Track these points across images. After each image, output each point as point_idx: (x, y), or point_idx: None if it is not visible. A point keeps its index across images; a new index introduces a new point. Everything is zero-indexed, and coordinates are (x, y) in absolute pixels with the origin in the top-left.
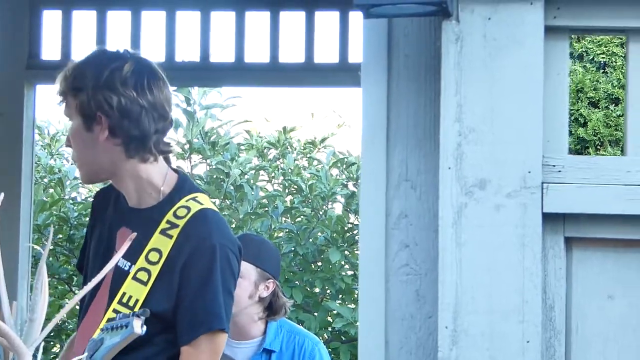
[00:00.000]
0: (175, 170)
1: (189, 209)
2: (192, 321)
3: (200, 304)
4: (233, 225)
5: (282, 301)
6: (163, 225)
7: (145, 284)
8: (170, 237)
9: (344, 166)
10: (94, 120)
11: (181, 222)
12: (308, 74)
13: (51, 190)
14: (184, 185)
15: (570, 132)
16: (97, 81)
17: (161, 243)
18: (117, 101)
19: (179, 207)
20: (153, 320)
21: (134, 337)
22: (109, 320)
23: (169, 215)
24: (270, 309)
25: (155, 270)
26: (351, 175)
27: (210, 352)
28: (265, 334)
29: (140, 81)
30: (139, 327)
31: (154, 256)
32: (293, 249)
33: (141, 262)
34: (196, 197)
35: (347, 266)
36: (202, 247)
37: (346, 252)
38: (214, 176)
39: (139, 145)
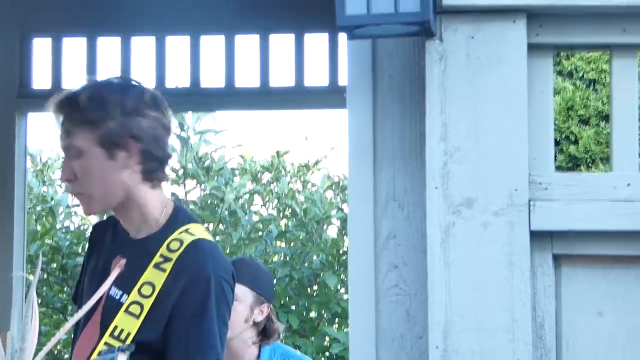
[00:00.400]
0: (173, 201)
1: (181, 241)
2: (188, 352)
3: (195, 335)
4: (227, 251)
5: (276, 325)
6: (157, 259)
7: (137, 317)
8: (164, 270)
9: (339, 189)
10: (118, 148)
11: (174, 256)
12: (298, 97)
13: (43, 220)
14: (178, 217)
15: (561, 149)
16: (123, 107)
17: (154, 277)
18: (147, 125)
19: (172, 240)
20: (142, 350)
21: None
22: (101, 352)
23: (163, 249)
24: (265, 333)
25: (147, 303)
26: (346, 198)
27: None
28: (259, 358)
29: (159, 104)
30: None
31: (146, 290)
32: (288, 273)
33: (134, 295)
34: (188, 228)
35: (343, 290)
36: (196, 278)
37: (342, 276)
38: (209, 201)
39: (157, 168)
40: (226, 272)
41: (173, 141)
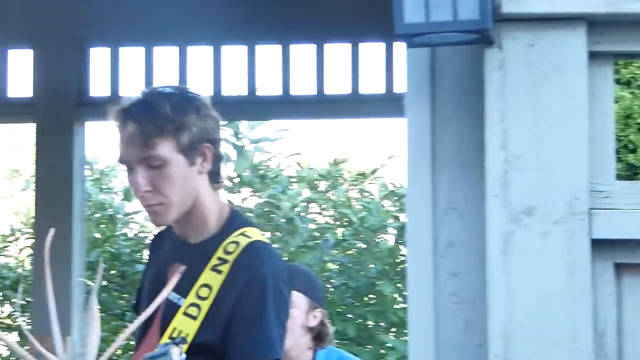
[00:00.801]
0: (229, 206)
1: (237, 243)
2: (246, 353)
3: (254, 336)
4: (284, 259)
5: (329, 329)
6: (214, 261)
7: (195, 318)
8: (221, 272)
9: (396, 198)
10: (197, 153)
11: (231, 258)
12: (354, 105)
13: (102, 227)
14: (234, 220)
15: (619, 158)
16: (198, 113)
17: (212, 279)
18: (214, 127)
19: (228, 243)
20: (201, 352)
21: None
22: (158, 347)
23: (219, 252)
24: (319, 337)
25: (205, 305)
26: (402, 207)
27: None
28: None
29: (212, 108)
30: (177, 355)
31: (204, 292)
32: (345, 282)
33: (192, 297)
34: (245, 231)
35: (399, 299)
36: (253, 279)
37: (399, 285)
38: (265, 209)
39: (219, 169)
40: (283, 273)
41: (229, 149)
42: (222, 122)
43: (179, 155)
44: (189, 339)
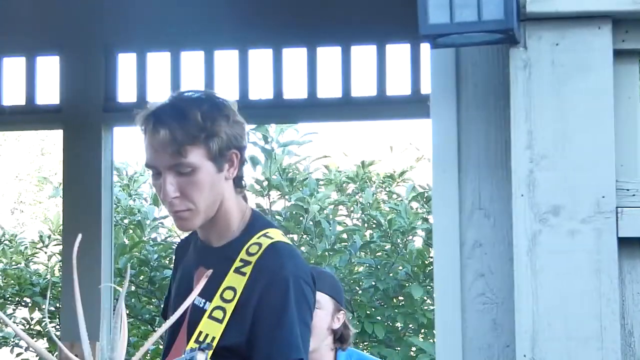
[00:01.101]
0: (251, 208)
1: (260, 245)
2: (270, 354)
3: (277, 337)
4: (312, 261)
5: (350, 331)
6: (237, 263)
7: (220, 321)
8: (244, 274)
9: (424, 200)
10: (225, 159)
11: (253, 259)
12: (381, 107)
13: (131, 232)
14: (256, 222)
15: None
16: (227, 119)
17: (235, 281)
18: (240, 132)
19: (251, 245)
20: (227, 354)
21: None
22: (185, 352)
23: (242, 254)
24: (341, 339)
25: (230, 307)
26: (431, 208)
27: None
28: None
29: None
30: None
31: (228, 294)
32: (373, 284)
33: (216, 300)
34: (267, 232)
35: (429, 301)
36: (275, 280)
37: (428, 287)
38: (293, 212)
39: (243, 174)
40: (305, 274)
41: (257, 153)
42: (250, 126)
43: (209, 162)
44: (215, 342)
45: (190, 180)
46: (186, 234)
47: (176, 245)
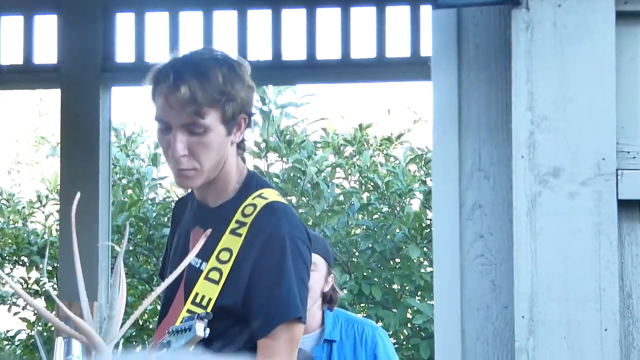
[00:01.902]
0: (247, 168)
1: (255, 206)
2: (269, 313)
3: (275, 295)
4: (310, 223)
5: (339, 294)
6: (232, 225)
7: (217, 282)
8: (240, 235)
9: (422, 162)
10: (235, 123)
11: (249, 220)
12: (380, 69)
13: (129, 192)
14: (251, 183)
15: None
16: (243, 84)
17: (231, 242)
18: (253, 97)
19: (246, 206)
20: (224, 315)
21: (197, 340)
22: (183, 319)
23: (238, 215)
24: (331, 301)
25: (226, 268)
26: (429, 171)
27: (288, 342)
28: (323, 325)
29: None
30: (201, 330)
31: (224, 255)
32: (370, 246)
33: (212, 262)
34: (262, 193)
35: (425, 263)
36: (272, 239)
37: (425, 249)
38: (291, 174)
39: (244, 138)
40: (301, 233)
41: (255, 115)
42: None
43: (221, 125)
44: (212, 303)
45: (201, 140)
46: (183, 193)
47: (174, 205)
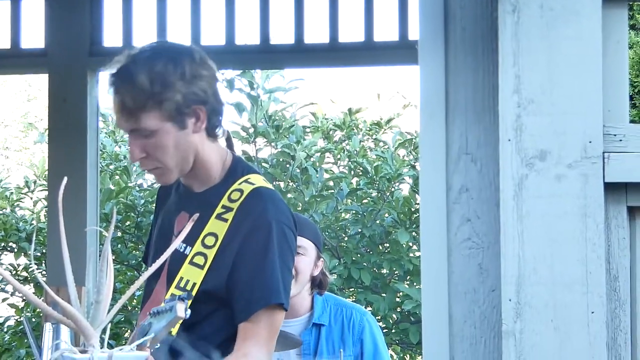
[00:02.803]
0: (232, 154)
1: (241, 191)
2: (250, 297)
3: (258, 280)
4: (299, 208)
5: (328, 278)
6: (218, 210)
7: (202, 267)
8: (226, 220)
9: (412, 147)
10: (187, 116)
11: (235, 205)
12: (368, 53)
13: (117, 178)
14: (237, 168)
15: (634, 104)
16: (183, 77)
17: (217, 227)
18: (207, 85)
19: (232, 191)
20: (208, 299)
21: (178, 321)
22: (165, 301)
23: (224, 200)
24: (320, 285)
25: (211, 253)
26: (418, 156)
27: (269, 327)
28: (312, 309)
29: (205, 59)
30: (182, 310)
31: (210, 240)
32: (359, 230)
33: (198, 246)
34: (248, 178)
35: (414, 247)
36: (258, 224)
37: (414, 233)
38: (280, 159)
39: (217, 121)
40: (287, 218)
41: (243, 99)
42: (235, 72)
43: (167, 123)
44: (196, 287)
45: (152, 142)
46: None
47: (158, 190)
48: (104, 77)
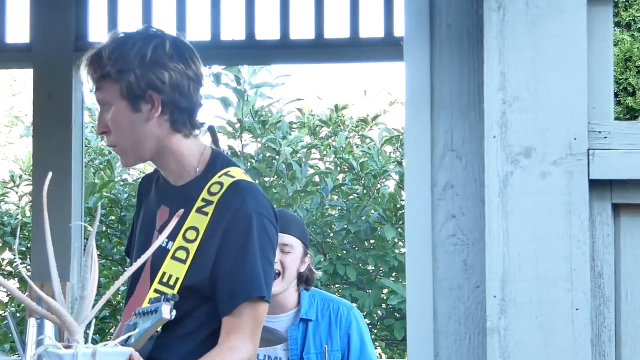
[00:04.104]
0: (210, 147)
1: (221, 184)
2: (232, 291)
3: (239, 274)
4: (283, 204)
5: (315, 274)
6: (199, 203)
7: (184, 262)
8: (206, 214)
9: (398, 144)
10: (142, 100)
11: (215, 198)
12: (354, 49)
13: (101, 173)
14: (216, 161)
15: (618, 101)
16: (143, 60)
17: (198, 221)
18: (168, 76)
19: (212, 184)
20: (191, 294)
21: (163, 322)
22: (151, 300)
23: (204, 193)
24: (307, 282)
25: (193, 247)
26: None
27: (252, 320)
28: (299, 304)
29: (182, 54)
30: (167, 312)
31: (191, 234)
32: (345, 226)
33: (179, 241)
34: (228, 171)
35: (400, 243)
36: (238, 217)
37: (400, 230)
38: (266, 154)
39: (187, 118)
40: (268, 211)
41: (229, 94)
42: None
43: (122, 101)
44: (179, 282)
45: (111, 117)
46: (150, 171)
47: (139, 183)
48: None
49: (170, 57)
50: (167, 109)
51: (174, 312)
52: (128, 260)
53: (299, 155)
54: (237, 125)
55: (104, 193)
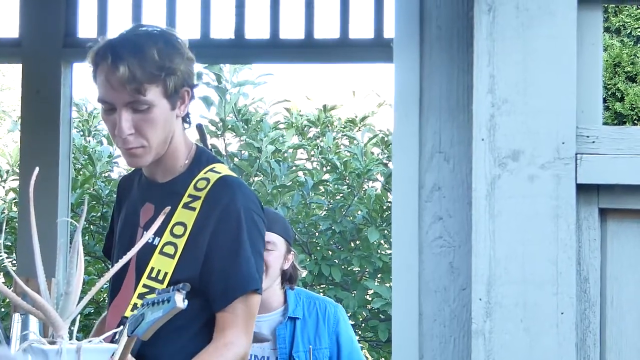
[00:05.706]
0: (195, 144)
1: (208, 180)
2: (226, 286)
3: (232, 269)
4: (263, 201)
5: (299, 271)
6: (185, 199)
7: (172, 257)
8: (194, 209)
9: (385, 145)
10: (178, 97)
11: (202, 194)
12: (343, 50)
13: (82, 169)
14: (201, 158)
15: (607, 107)
16: (183, 57)
17: (185, 216)
18: (194, 70)
19: (198, 180)
20: None
21: (176, 312)
22: (140, 295)
23: (190, 189)
24: (290, 279)
25: (181, 242)
26: (391, 154)
27: (247, 313)
28: (285, 303)
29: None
30: (180, 301)
31: (178, 230)
32: (330, 226)
33: (167, 236)
34: (214, 167)
35: (385, 245)
36: (227, 212)
37: (385, 232)
38: (248, 152)
39: (189, 111)
40: (255, 205)
41: (211, 93)
42: (204, 65)
43: (164, 100)
44: (168, 277)
45: (146, 117)
46: (129, 171)
47: (119, 182)
48: (80, 66)
49: (189, 49)
50: (189, 102)
51: (186, 301)
52: (107, 259)
53: (285, 154)
54: (220, 124)
55: (86, 189)
